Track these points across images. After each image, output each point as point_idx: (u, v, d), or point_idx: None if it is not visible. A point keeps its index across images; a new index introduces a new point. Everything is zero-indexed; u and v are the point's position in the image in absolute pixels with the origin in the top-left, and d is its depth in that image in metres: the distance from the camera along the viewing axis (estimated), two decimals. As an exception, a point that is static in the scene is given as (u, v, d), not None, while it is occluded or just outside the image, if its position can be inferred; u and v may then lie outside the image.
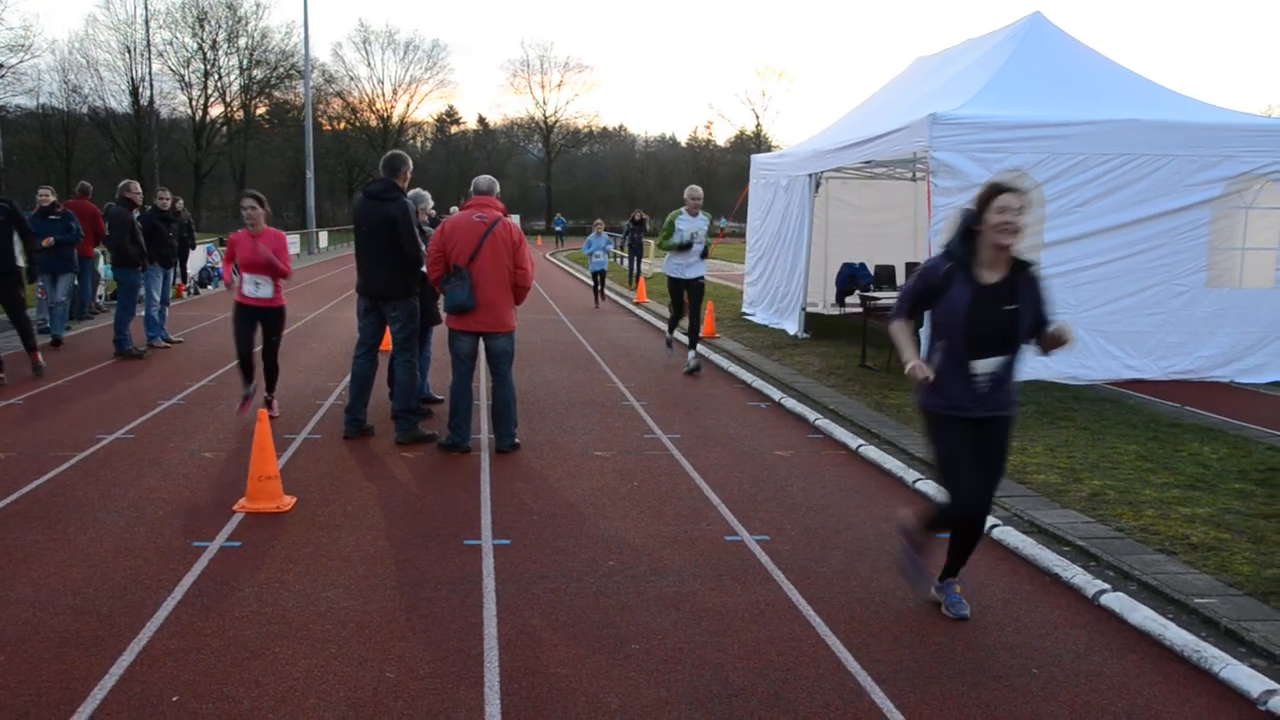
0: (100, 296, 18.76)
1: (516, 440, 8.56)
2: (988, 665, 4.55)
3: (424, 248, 8.65)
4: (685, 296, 12.57)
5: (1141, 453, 8.32)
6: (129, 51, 68.43)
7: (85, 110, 68.58)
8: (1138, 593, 5.36)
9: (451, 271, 8.07)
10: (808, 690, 4.28)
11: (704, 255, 12.43)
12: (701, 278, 12.49)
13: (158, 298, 14.08)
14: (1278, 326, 12.14)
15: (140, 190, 13.79)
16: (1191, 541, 6.08)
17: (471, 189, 8.46)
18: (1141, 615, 4.99)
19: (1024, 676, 4.45)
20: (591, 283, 23.18)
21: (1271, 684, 4.25)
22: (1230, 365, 12.07)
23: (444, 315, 8.53)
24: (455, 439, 8.39)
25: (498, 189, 8.48)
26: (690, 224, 12.35)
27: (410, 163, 8.90)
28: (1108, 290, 11.73)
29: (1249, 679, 4.30)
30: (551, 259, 42.01)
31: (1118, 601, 5.18)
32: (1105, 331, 11.77)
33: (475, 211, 8.20)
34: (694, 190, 12.68)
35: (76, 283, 16.75)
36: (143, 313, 13.99)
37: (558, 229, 62.35)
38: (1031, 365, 11.49)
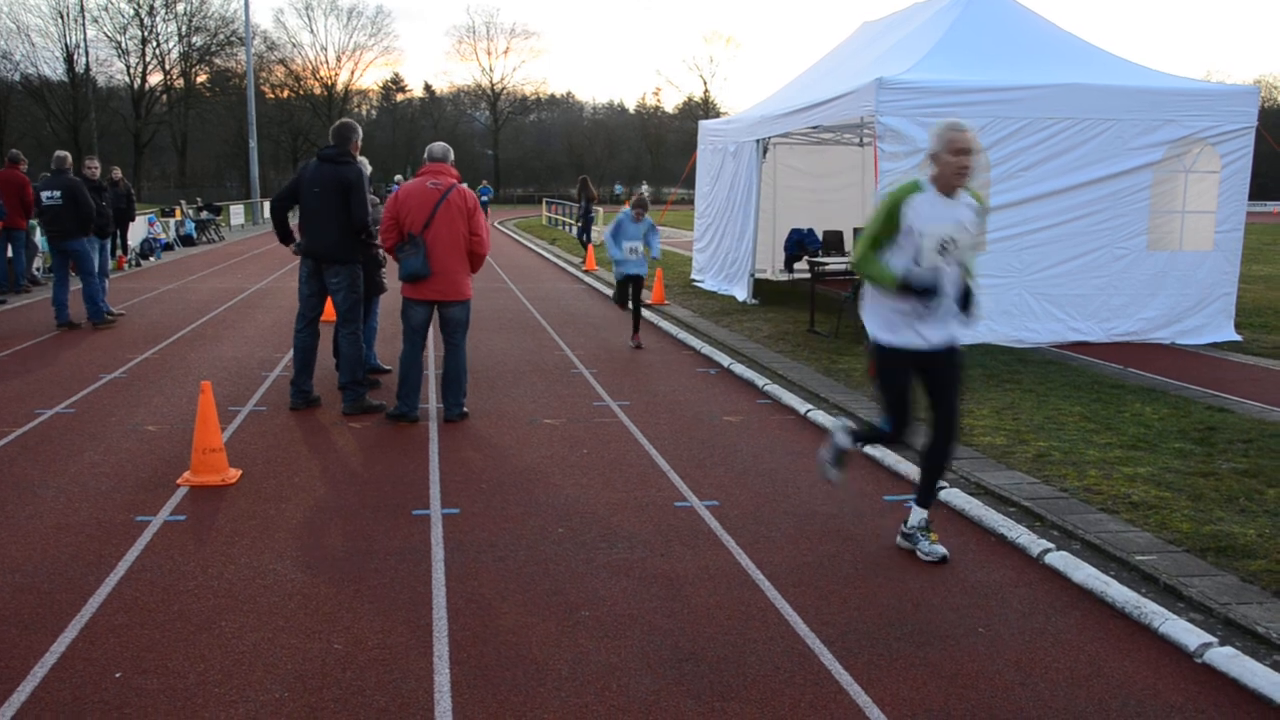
0: (37, 269, 18.37)
1: (465, 410, 8.51)
2: (935, 625, 4.61)
3: (372, 216, 8.57)
4: (924, 385, 5.34)
5: (1085, 414, 8.44)
6: (62, 17, 66.79)
7: (17, 78, 66.82)
8: (1081, 551, 5.44)
9: (405, 240, 7.98)
10: (757, 653, 4.31)
11: (966, 304, 5.23)
12: (957, 346, 5.32)
13: (96, 270, 13.81)
14: (1216, 288, 12.36)
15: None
16: (1133, 500, 6.18)
17: (425, 156, 8.36)
18: (1084, 573, 5.08)
19: (970, 636, 4.51)
20: (613, 295, 12.67)
21: (1208, 637, 4.34)
22: (1171, 327, 12.28)
23: (399, 284, 8.44)
24: (403, 409, 8.32)
25: (452, 156, 8.39)
26: (942, 221, 5.10)
27: (360, 132, 8.78)
28: (1052, 254, 11.86)
29: (1186, 633, 4.39)
30: (500, 227, 41.71)
31: (1061, 560, 5.26)
32: (1050, 295, 11.91)
33: (429, 178, 8.10)
34: (959, 134, 5.05)
35: (10, 255, 16.41)
36: (77, 286, 13.70)
37: (483, 199, 50.52)
38: (976, 330, 11.64)
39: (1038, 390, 9.35)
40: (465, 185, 8.31)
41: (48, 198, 13.06)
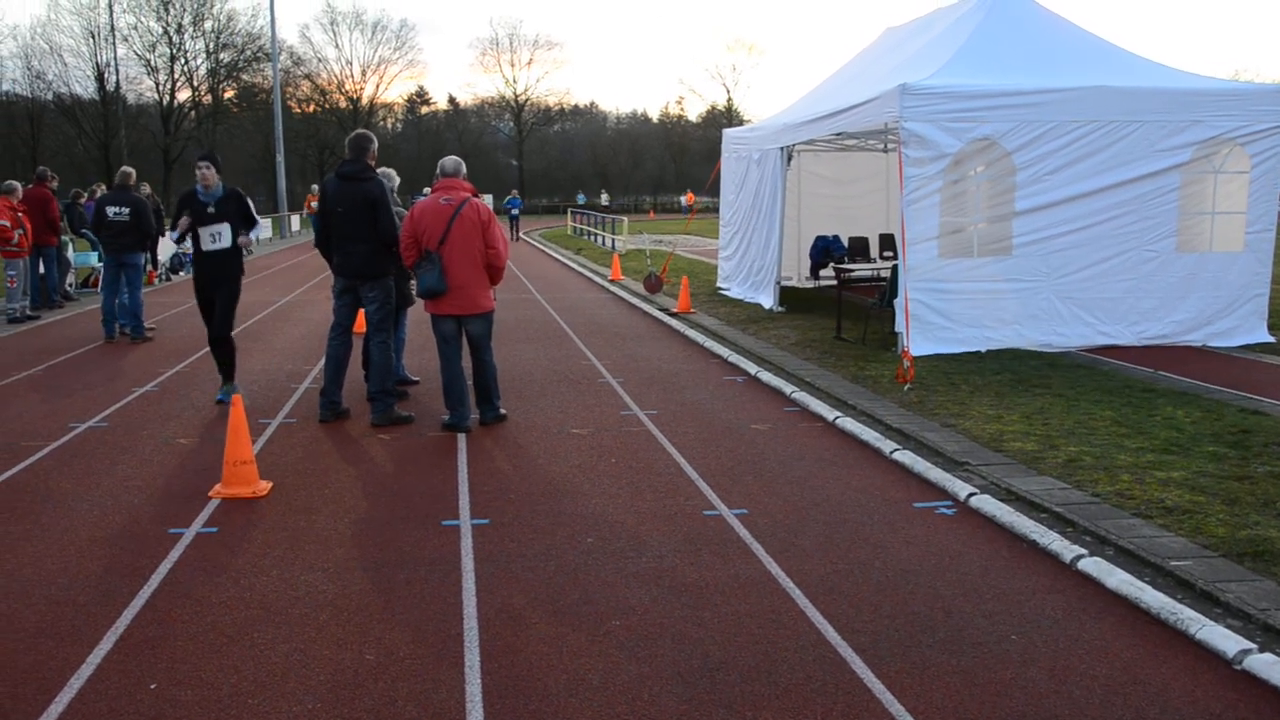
0: (70, 284, 18.55)
1: (502, 412, 8.63)
2: (967, 633, 4.58)
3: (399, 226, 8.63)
4: None
5: (1116, 418, 8.36)
6: (93, 36, 67.45)
7: (50, 97, 67.58)
8: (1114, 557, 5.39)
9: (422, 256, 8.05)
10: (789, 663, 4.29)
11: None
12: None
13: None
14: (1248, 290, 12.23)
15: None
16: (1167, 505, 6.12)
17: (438, 171, 8.41)
18: (1118, 579, 5.03)
19: (1003, 643, 4.48)
20: None
21: (1247, 643, 4.29)
22: (1202, 329, 12.15)
23: (419, 298, 8.50)
24: (454, 419, 8.40)
25: (464, 170, 8.43)
26: None
27: (376, 141, 8.85)
28: (1080, 257, 11.78)
29: (1224, 639, 4.34)
30: (525, 238, 41.73)
31: (1095, 566, 5.22)
32: (1078, 298, 11.82)
33: (442, 194, 8.16)
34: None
35: (42, 272, 16.61)
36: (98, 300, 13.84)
37: (512, 212, 42.88)
38: (1004, 334, 11.60)
39: (1068, 395, 9.28)
40: (479, 198, 8.35)
41: (114, 214, 13.22)
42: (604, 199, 74.22)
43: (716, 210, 23.21)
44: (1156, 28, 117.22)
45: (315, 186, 28.28)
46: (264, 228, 8.67)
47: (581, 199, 71.95)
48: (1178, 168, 11.83)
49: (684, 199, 73.70)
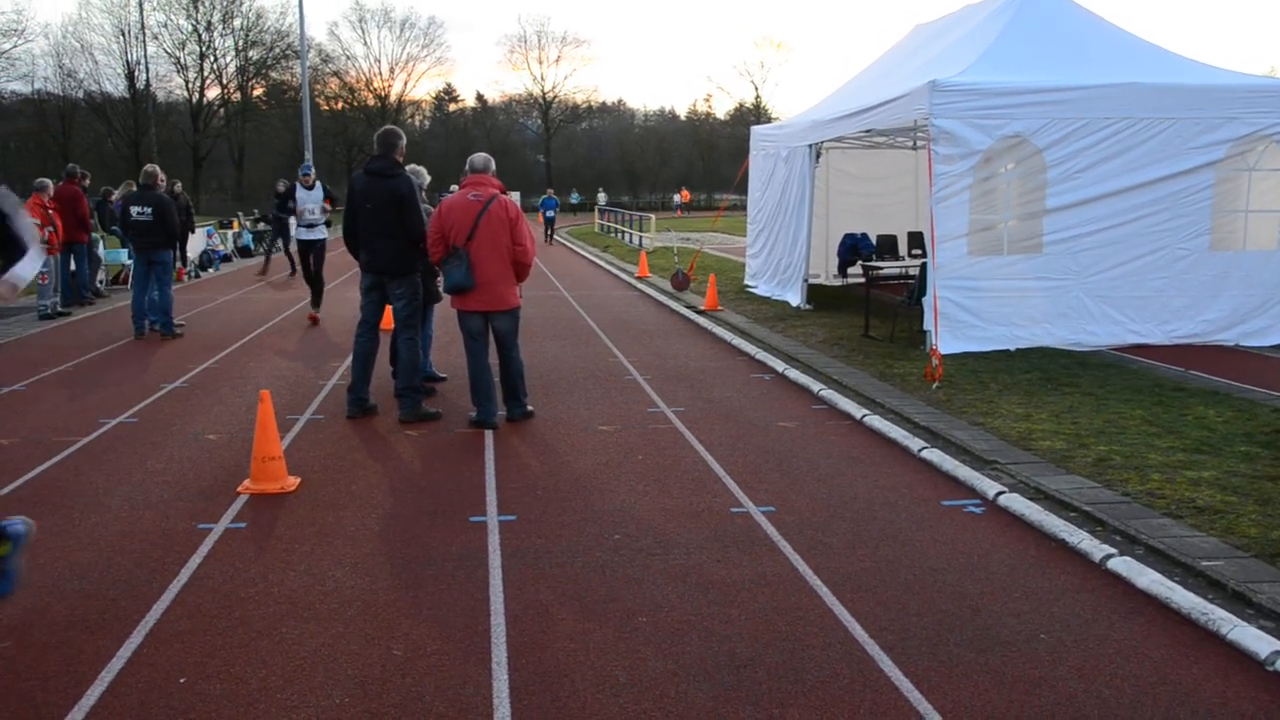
0: (101, 281, 18.72)
1: (529, 409, 8.63)
2: (995, 631, 4.55)
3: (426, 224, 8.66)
4: None
5: (1147, 417, 8.29)
6: (123, 34, 68.22)
7: (81, 95, 68.38)
8: (1144, 556, 5.34)
9: (449, 252, 8.07)
10: (815, 660, 4.28)
11: None
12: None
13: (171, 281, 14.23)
14: (1281, 289, 12.09)
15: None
16: (1198, 505, 6.06)
17: (467, 167, 8.43)
18: (1148, 579, 4.98)
19: (1032, 642, 4.45)
20: None
21: (1279, 645, 4.25)
22: (1235, 328, 12.02)
23: (446, 295, 8.52)
24: (481, 416, 8.41)
25: (493, 167, 8.45)
26: None
27: (404, 137, 8.87)
28: (1111, 255, 11.67)
29: (1257, 640, 4.29)
30: (556, 236, 41.74)
31: (1124, 565, 5.17)
32: (1108, 297, 11.72)
33: (471, 190, 8.18)
34: None
35: (74, 269, 16.77)
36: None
37: (547, 213, 38.76)
38: (1034, 333, 11.51)
39: (1097, 394, 9.20)
40: (507, 195, 8.35)
41: (138, 213, 13.32)
42: (601, 198, 74.02)
43: (744, 208, 23.09)
44: (1189, 24, 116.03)
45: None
46: (37, 263, 4.96)
47: (576, 198, 71.66)
48: (1211, 165, 11.70)
49: (678, 196, 73.55)
